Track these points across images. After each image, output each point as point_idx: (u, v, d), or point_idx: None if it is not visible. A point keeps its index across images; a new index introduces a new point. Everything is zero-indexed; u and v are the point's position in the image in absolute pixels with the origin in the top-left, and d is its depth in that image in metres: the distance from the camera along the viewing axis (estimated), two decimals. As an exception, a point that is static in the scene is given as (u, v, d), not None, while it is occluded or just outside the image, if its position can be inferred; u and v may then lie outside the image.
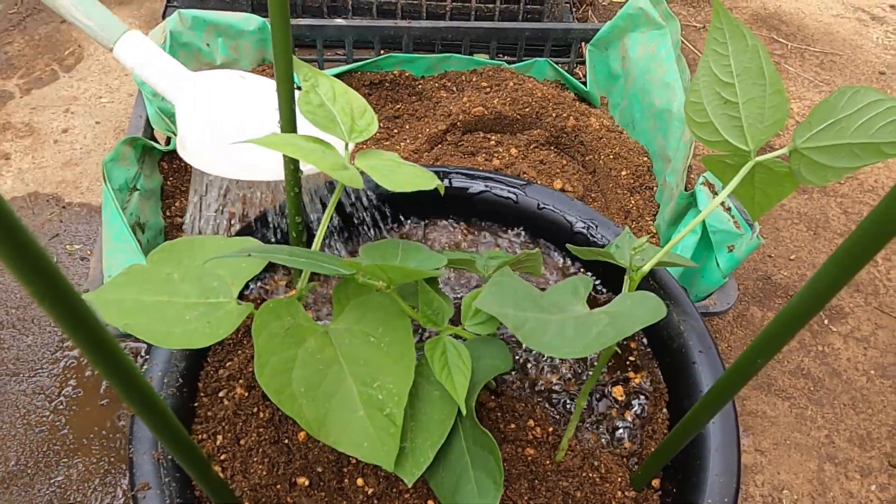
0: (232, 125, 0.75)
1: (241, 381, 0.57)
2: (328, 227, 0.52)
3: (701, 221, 0.92)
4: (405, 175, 0.46)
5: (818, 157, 0.47)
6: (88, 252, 1.07)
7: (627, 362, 0.62)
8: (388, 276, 0.40)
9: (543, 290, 0.47)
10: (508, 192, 0.67)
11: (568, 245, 0.54)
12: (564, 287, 0.48)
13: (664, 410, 0.59)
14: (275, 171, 0.65)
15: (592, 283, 0.48)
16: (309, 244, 0.52)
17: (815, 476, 0.93)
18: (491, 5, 1.43)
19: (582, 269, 0.67)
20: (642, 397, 0.60)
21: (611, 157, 1.11)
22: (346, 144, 0.46)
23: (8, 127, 1.22)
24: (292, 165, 0.49)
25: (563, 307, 0.45)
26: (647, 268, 0.50)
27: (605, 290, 0.67)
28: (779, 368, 1.04)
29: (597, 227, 0.65)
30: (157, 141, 1.01)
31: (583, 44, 1.29)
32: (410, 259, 0.46)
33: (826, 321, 1.10)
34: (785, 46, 1.58)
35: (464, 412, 0.42)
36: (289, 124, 0.44)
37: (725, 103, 0.48)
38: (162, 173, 1.01)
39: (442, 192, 0.51)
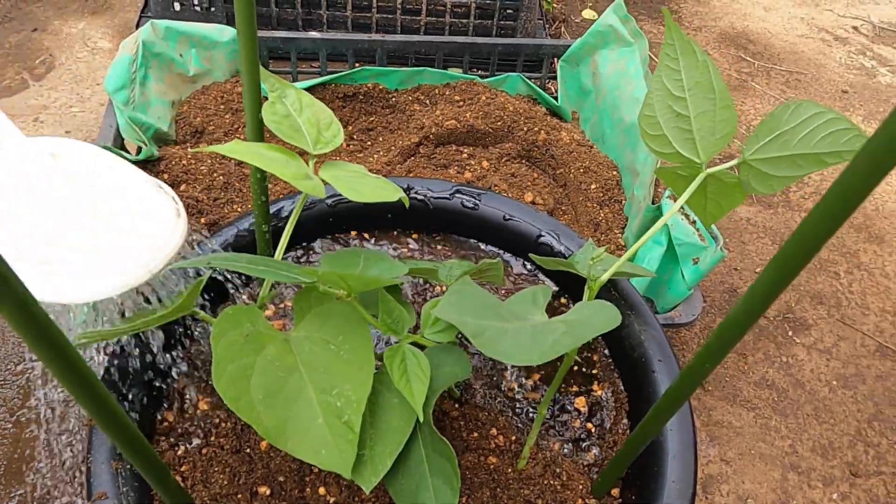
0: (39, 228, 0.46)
1: (204, 392, 0.56)
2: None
3: (667, 234, 0.94)
4: (368, 186, 0.47)
5: (765, 168, 0.49)
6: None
7: (590, 374, 0.63)
8: (349, 284, 0.40)
9: (503, 299, 0.47)
10: (473, 202, 0.68)
11: (531, 255, 0.55)
12: (524, 296, 0.49)
13: (625, 420, 0.59)
14: (112, 283, 0.44)
15: (552, 291, 0.49)
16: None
17: (778, 485, 0.95)
18: (465, 21, 1.45)
19: (543, 282, 0.68)
20: (604, 408, 0.60)
21: (581, 170, 1.13)
22: (311, 155, 0.47)
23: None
24: (259, 174, 0.49)
25: (522, 316, 0.46)
26: (605, 277, 0.51)
27: (570, 301, 0.68)
28: (744, 379, 1.06)
29: (559, 238, 0.66)
30: (127, 151, 1.01)
31: (554, 59, 1.32)
32: (372, 267, 0.46)
33: (790, 333, 1.13)
34: (752, 65, 1.62)
35: (421, 419, 0.43)
36: (254, 134, 0.44)
37: (678, 116, 0.50)
38: (132, 183, 1.01)
39: (407, 204, 0.51)
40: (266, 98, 0.50)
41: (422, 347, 0.48)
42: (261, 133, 0.46)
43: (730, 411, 1.02)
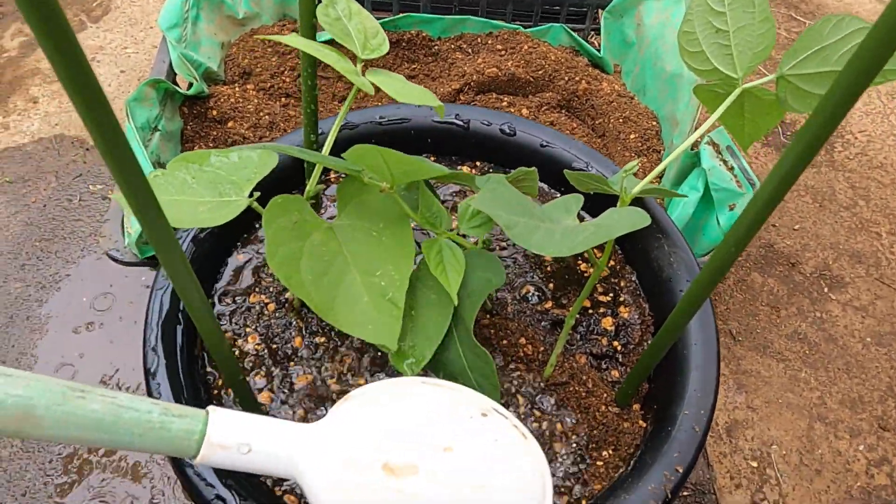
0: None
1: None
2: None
3: (703, 180, 0.94)
4: (411, 91, 0.49)
5: (803, 85, 0.49)
6: (110, 192, 1.11)
7: (618, 299, 0.64)
8: (391, 169, 0.43)
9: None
10: (510, 127, 0.69)
11: (566, 171, 0.57)
12: (557, 204, 0.51)
13: (649, 342, 0.61)
14: None
15: (583, 200, 0.50)
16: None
17: (804, 434, 0.96)
18: (510, -28, 1.44)
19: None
20: (630, 329, 0.62)
21: (620, 120, 1.13)
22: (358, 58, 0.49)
23: (37, 73, 1.27)
24: (310, 82, 0.52)
25: (555, 219, 0.48)
26: (636, 190, 0.52)
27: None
28: (776, 332, 1.06)
29: (594, 164, 0.67)
30: (179, 86, 1.05)
31: (599, 11, 1.31)
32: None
33: (826, 289, 1.12)
34: (802, 24, 1.58)
35: (455, 303, 0.45)
36: (308, 31, 0.46)
37: (717, 32, 0.50)
38: (182, 118, 1.05)
39: (441, 115, 0.53)
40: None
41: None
42: (313, 37, 0.48)
43: (759, 361, 1.03)
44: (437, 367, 0.49)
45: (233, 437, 0.37)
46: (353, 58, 0.50)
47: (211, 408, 0.38)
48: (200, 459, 0.37)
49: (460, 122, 0.70)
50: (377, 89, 0.48)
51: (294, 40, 0.42)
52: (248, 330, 0.58)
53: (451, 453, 0.39)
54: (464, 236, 0.56)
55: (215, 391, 0.55)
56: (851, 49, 0.47)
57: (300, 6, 0.46)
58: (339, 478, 0.38)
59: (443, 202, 0.68)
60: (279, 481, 0.51)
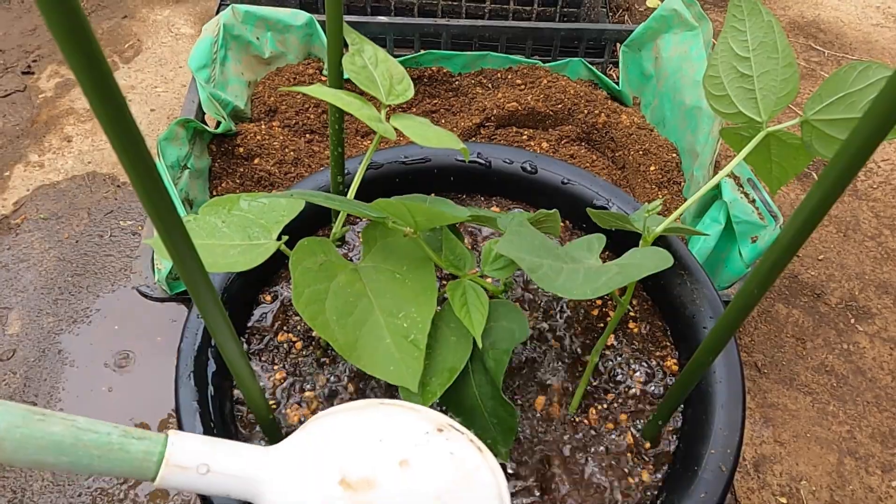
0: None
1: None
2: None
3: (725, 213, 0.95)
4: (434, 133, 0.50)
5: (829, 130, 0.50)
6: (139, 227, 1.14)
7: (642, 334, 0.64)
8: (415, 217, 0.44)
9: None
10: (532, 165, 0.70)
11: (588, 210, 0.58)
12: (580, 244, 0.51)
13: (675, 378, 0.61)
14: None
15: (605, 240, 0.51)
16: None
17: (834, 469, 0.94)
18: (529, 8, 1.47)
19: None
20: (656, 368, 0.62)
21: (640, 152, 1.14)
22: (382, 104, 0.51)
23: (71, 112, 1.31)
24: (336, 126, 0.53)
25: (578, 259, 0.49)
26: (659, 229, 0.53)
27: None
28: (802, 364, 1.05)
29: (615, 201, 0.68)
30: (207, 124, 1.08)
31: (617, 45, 1.33)
32: (438, 207, 0.49)
33: (853, 320, 1.11)
34: (822, 54, 1.58)
35: (479, 345, 0.46)
36: (335, 83, 0.48)
37: (741, 76, 0.51)
38: (210, 155, 1.08)
39: (467, 157, 0.54)
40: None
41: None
42: (340, 85, 0.50)
43: (786, 394, 1.01)
44: (448, 403, 0.49)
45: (191, 458, 0.38)
46: (379, 103, 0.52)
47: (171, 431, 0.39)
48: (159, 481, 0.37)
49: (482, 161, 0.71)
50: (399, 133, 0.50)
51: (319, 91, 0.44)
52: (275, 367, 0.59)
53: (407, 467, 0.39)
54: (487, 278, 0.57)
55: (244, 429, 0.56)
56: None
57: (328, 56, 0.48)
58: (296, 495, 0.39)
59: (466, 237, 0.69)
60: None
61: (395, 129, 0.49)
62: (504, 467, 0.53)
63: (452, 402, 0.49)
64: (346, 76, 0.52)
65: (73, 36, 0.24)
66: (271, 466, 0.39)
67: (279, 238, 0.49)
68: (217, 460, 0.38)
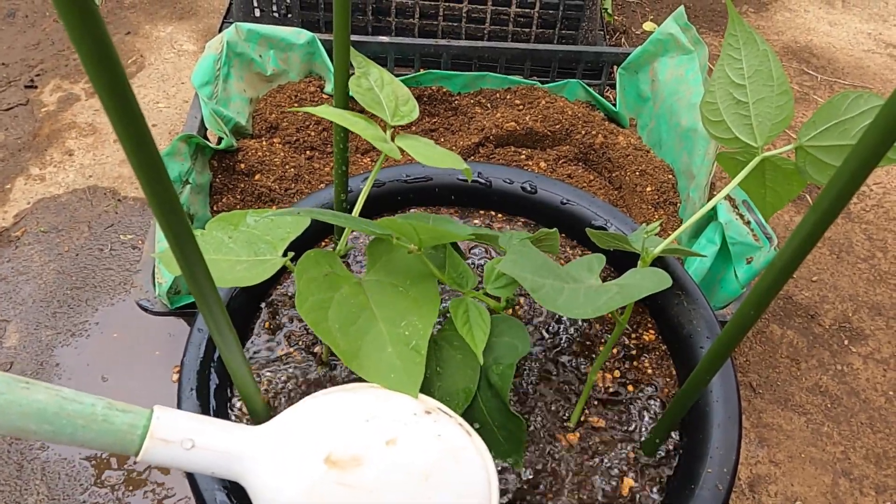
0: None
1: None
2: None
3: (720, 234, 0.96)
4: (438, 153, 0.51)
5: (822, 156, 0.51)
6: (140, 242, 1.15)
7: (639, 354, 0.65)
8: (419, 235, 0.45)
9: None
10: (532, 185, 0.72)
11: (587, 230, 0.59)
12: (580, 263, 0.52)
13: (671, 395, 0.62)
14: None
15: (605, 260, 0.52)
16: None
17: (829, 490, 0.94)
18: (527, 30, 1.49)
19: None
20: (654, 385, 0.63)
21: (637, 173, 1.16)
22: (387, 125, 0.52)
23: (73, 126, 1.32)
24: (341, 145, 0.54)
25: (578, 279, 0.50)
26: (657, 250, 0.54)
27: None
28: (797, 385, 1.06)
29: (613, 221, 0.69)
30: (209, 140, 1.09)
31: (614, 67, 1.35)
32: (441, 226, 0.50)
33: (846, 342, 1.12)
34: (814, 78, 1.61)
35: (481, 362, 0.47)
36: (340, 104, 0.49)
37: (737, 103, 0.53)
38: (212, 171, 1.08)
39: (469, 178, 0.56)
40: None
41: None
42: (346, 105, 0.51)
43: (780, 415, 1.02)
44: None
45: (176, 432, 0.37)
46: (384, 123, 0.53)
47: (157, 405, 0.38)
48: (143, 454, 0.36)
49: (482, 181, 0.72)
50: (403, 153, 0.51)
51: (326, 112, 0.45)
52: (278, 378, 0.59)
53: (394, 446, 0.39)
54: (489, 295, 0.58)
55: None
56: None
57: (335, 78, 0.49)
58: (281, 473, 0.38)
59: (467, 254, 0.70)
60: None
61: (400, 148, 0.50)
62: (519, 475, 0.53)
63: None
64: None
65: (101, 63, 0.25)
66: (257, 444, 0.39)
67: (285, 254, 0.50)
68: (202, 436, 0.38)
